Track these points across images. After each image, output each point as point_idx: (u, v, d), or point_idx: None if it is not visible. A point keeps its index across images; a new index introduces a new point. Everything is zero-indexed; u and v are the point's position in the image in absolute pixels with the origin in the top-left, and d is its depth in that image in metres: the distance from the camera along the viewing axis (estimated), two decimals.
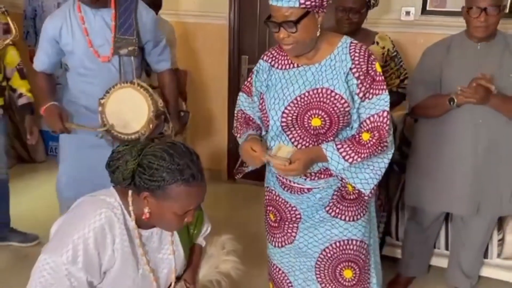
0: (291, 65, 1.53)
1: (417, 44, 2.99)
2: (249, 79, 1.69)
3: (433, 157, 2.15)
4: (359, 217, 1.59)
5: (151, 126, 1.83)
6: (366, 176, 1.49)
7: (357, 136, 1.48)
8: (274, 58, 1.58)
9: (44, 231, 2.81)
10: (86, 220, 1.24)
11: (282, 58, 1.56)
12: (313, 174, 1.55)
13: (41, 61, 2.14)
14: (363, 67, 1.45)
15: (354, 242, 1.60)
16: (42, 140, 4.22)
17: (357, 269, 1.63)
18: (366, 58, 1.46)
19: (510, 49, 2.01)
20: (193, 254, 1.60)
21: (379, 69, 1.48)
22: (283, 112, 1.50)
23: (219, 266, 1.64)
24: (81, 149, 2.08)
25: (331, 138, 1.50)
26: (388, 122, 1.46)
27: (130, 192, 1.31)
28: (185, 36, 3.44)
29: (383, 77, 1.49)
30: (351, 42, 1.50)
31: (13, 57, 2.56)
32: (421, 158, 2.22)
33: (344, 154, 1.44)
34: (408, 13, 2.98)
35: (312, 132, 1.49)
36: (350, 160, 1.44)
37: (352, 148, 1.44)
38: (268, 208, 1.72)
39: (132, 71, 2.02)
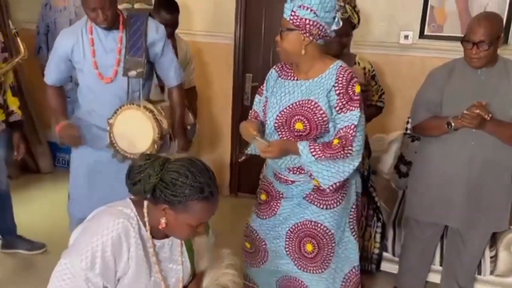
0: (292, 78, 1.85)
1: (414, 67, 3.11)
2: (264, 83, 2.00)
3: (433, 174, 2.24)
4: (330, 207, 1.88)
5: (155, 146, 1.91)
6: (329, 174, 1.76)
7: (329, 141, 1.79)
8: (282, 70, 1.90)
9: (50, 240, 2.93)
10: (105, 229, 1.32)
11: (288, 71, 1.88)
12: (295, 168, 1.87)
13: (52, 75, 2.21)
14: (344, 86, 1.74)
15: (320, 225, 1.90)
16: (50, 151, 4.32)
17: (317, 246, 1.92)
18: (348, 79, 1.75)
19: (510, 76, 2.09)
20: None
21: (358, 90, 1.75)
22: (277, 116, 1.83)
23: (218, 279, 1.72)
24: (92, 167, 2.15)
25: (311, 141, 1.80)
26: (353, 134, 1.74)
27: (145, 203, 1.39)
28: (195, 54, 3.57)
29: (360, 97, 1.75)
30: (341, 66, 1.78)
31: (10, 74, 2.63)
32: (422, 174, 2.30)
33: (312, 150, 1.74)
34: (406, 37, 3.10)
35: (295, 134, 1.81)
36: (316, 156, 1.74)
37: (321, 148, 1.75)
38: (262, 191, 2.06)
39: (139, 92, 2.10)
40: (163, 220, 1.35)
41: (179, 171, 1.31)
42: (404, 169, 2.94)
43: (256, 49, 3.58)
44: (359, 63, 2.52)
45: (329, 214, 1.89)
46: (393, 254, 2.64)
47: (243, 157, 2.08)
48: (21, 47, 2.54)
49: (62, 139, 2.12)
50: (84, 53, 2.08)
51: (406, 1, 3.06)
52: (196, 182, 1.31)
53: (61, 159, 4.40)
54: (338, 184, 1.77)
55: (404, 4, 3.07)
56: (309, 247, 1.94)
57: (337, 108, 1.75)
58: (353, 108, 1.74)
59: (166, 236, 1.47)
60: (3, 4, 3.86)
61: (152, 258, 1.42)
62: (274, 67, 1.94)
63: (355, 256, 2.03)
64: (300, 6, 1.67)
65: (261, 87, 2.00)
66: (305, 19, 1.68)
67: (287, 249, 1.99)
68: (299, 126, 1.77)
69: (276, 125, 1.84)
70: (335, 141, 1.76)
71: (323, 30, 1.70)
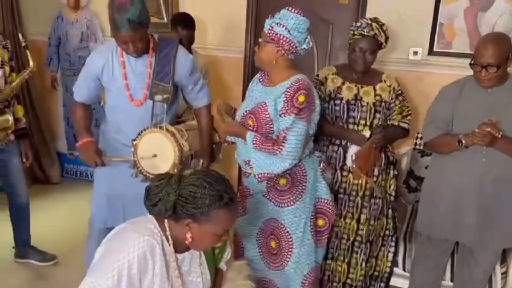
0: (265, 84, 2.14)
1: (423, 83, 3.14)
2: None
3: (444, 190, 2.25)
4: (285, 205, 2.11)
5: (175, 170, 1.93)
6: (262, 164, 2.01)
7: (270, 137, 2.05)
8: (262, 76, 2.19)
9: (60, 251, 2.94)
10: (130, 246, 1.34)
11: (265, 78, 2.17)
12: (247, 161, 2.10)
13: (82, 93, 2.21)
14: (290, 94, 1.98)
15: (279, 223, 2.13)
16: (58, 162, 4.35)
17: (278, 244, 2.15)
18: (296, 89, 1.98)
19: None
20: (216, 278, 1.69)
21: (301, 100, 1.97)
22: (243, 113, 2.11)
23: None
24: (114, 180, 2.18)
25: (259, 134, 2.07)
26: (284, 135, 1.97)
27: (166, 220, 1.41)
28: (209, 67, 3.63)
29: (302, 106, 1.97)
30: (297, 78, 2.02)
31: (17, 85, 2.66)
32: (433, 189, 2.32)
33: (254, 139, 2.01)
34: (415, 53, 3.14)
35: (249, 128, 2.08)
36: (255, 144, 2.00)
37: (261, 140, 2.00)
38: (238, 192, 2.32)
39: (164, 115, 2.13)
40: (188, 235, 1.38)
41: (196, 183, 1.35)
42: (413, 184, 2.97)
43: None
44: (385, 81, 2.44)
45: (285, 213, 2.11)
46: (404, 269, 2.64)
47: (225, 144, 2.29)
48: (30, 60, 2.58)
49: (83, 156, 2.13)
50: (114, 74, 2.10)
51: (415, 18, 3.10)
52: (214, 190, 1.34)
53: (69, 170, 4.43)
54: (267, 175, 2.01)
55: (414, 20, 3.11)
56: (273, 243, 2.17)
57: (280, 112, 1.99)
58: (291, 114, 1.97)
59: (187, 249, 1.49)
60: (16, 16, 3.92)
61: (175, 272, 1.44)
62: (260, 72, 2.20)
63: (313, 258, 2.20)
64: (278, 23, 1.95)
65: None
66: (280, 35, 1.95)
67: (258, 246, 2.22)
68: (250, 122, 2.07)
69: (241, 120, 2.13)
70: (275, 138, 2.03)
71: (294, 47, 1.98)
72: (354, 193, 2.43)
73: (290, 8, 1.97)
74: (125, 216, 2.15)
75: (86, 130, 2.20)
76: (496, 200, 2.17)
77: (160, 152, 1.95)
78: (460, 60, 2.93)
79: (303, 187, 2.10)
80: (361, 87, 2.40)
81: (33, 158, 4.05)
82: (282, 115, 1.99)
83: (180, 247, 1.45)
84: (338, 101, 2.40)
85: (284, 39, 1.95)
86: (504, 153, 2.10)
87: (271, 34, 1.96)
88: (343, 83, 2.42)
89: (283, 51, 1.99)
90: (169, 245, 1.41)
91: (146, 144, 1.97)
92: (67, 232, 3.30)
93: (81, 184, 4.19)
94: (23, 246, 2.89)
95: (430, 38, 3.09)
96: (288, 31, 1.94)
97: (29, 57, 2.58)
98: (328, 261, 2.52)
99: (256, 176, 2.03)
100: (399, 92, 2.46)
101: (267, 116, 2.02)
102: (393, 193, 2.53)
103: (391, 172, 2.52)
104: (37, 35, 4.16)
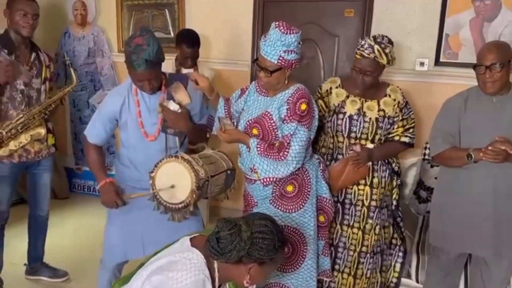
0: (264, 94, 2.19)
1: (430, 93, 3.15)
2: (246, 88, 2.30)
3: (456, 202, 2.24)
4: (293, 211, 2.16)
5: (194, 196, 1.95)
6: (267, 168, 2.07)
7: (274, 143, 2.10)
8: (259, 86, 2.22)
9: (69, 266, 2.94)
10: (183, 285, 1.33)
11: (263, 89, 2.20)
12: (253, 168, 2.15)
13: (97, 135, 2.22)
14: (293, 102, 2.07)
15: (289, 227, 2.17)
16: (66, 177, 4.36)
17: (291, 247, 2.16)
18: (298, 97, 2.07)
19: None
20: None
21: (303, 108, 2.05)
22: (246, 123, 2.16)
23: None
24: (130, 215, 2.19)
25: (262, 140, 2.12)
26: (288, 141, 2.04)
27: (216, 263, 1.43)
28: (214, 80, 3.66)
29: (304, 114, 2.06)
30: (298, 87, 2.10)
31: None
32: (445, 202, 2.31)
33: (258, 146, 2.07)
34: (422, 64, 3.16)
35: (254, 138, 2.13)
36: (259, 151, 2.07)
37: (265, 147, 2.07)
38: (243, 200, 2.40)
39: (177, 149, 2.19)
40: (247, 277, 1.42)
41: (266, 231, 1.42)
42: (423, 194, 2.96)
43: None
44: (389, 95, 2.41)
45: (295, 217, 2.16)
46: (417, 281, 2.63)
47: (208, 136, 2.35)
48: (74, 77, 2.73)
49: (105, 199, 2.16)
50: (130, 113, 2.15)
51: (422, 28, 3.13)
52: (280, 236, 1.43)
53: (77, 185, 4.44)
54: (272, 179, 2.08)
55: (420, 31, 3.14)
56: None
57: (284, 119, 2.07)
58: (293, 121, 2.05)
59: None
60: None
61: None
62: (253, 82, 2.27)
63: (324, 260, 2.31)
64: (285, 52, 1.99)
65: (245, 87, 2.29)
66: (292, 60, 2.02)
67: None
68: (255, 131, 2.12)
69: (245, 130, 2.17)
70: (277, 144, 2.08)
71: (300, 61, 2.07)
72: (360, 203, 2.44)
73: (282, 28, 1.98)
74: (144, 247, 2.18)
75: (103, 171, 2.22)
76: (510, 210, 2.17)
77: (177, 181, 1.96)
78: (466, 70, 2.93)
79: (309, 189, 2.17)
80: (365, 101, 2.40)
81: None
82: (285, 122, 2.07)
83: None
84: (341, 115, 2.40)
85: (295, 61, 2.04)
86: None
87: (282, 63, 2.01)
88: (347, 97, 2.42)
89: (291, 69, 2.07)
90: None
91: (163, 175, 1.99)
92: (76, 247, 3.31)
93: (89, 199, 4.21)
94: (35, 262, 2.89)
95: (436, 49, 3.11)
96: (296, 53, 2.02)
97: (73, 74, 2.74)
98: (335, 273, 2.50)
99: (262, 181, 2.09)
100: (404, 105, 2.44)
101: (273, 124, 2.09)
102: (394, 202, 2.54)
103: (394, 182, 2.52)
104: (45, 51, 4.19)
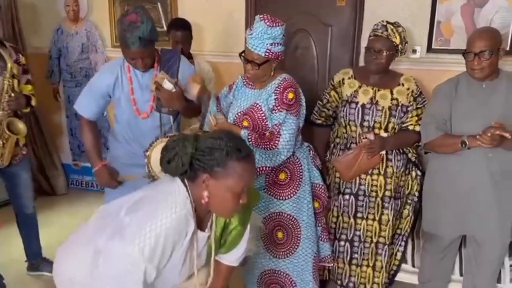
0: (251, 86, 2.24)
1: (423, 80, 3.15)
2: (233, 83, 2.34)
3: (450, 187, 2.27)
4: (287, 198, 2.21)
5: None
6: (261, 159, 2.09)
7: (264, 133, 2.15)
8: (246, 79, 2.27)
9: None
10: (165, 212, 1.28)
11: (250, 82, 2.25)
12: None
13: (90, 110, 2.23)
14: (280, 92, 2.11)
15: (284, 214, 2.22)
16: (64, 173, 4.37)
17: (285, 233, 2.24)
18: (285, 87, 2.10)
19: None
20: (219, 275, 1.64)
21: (290, 96, 2.09)
22: (235, 115, 2.20)
23: None
24: (125, 188, 2.20)
25: (253, 131, 2.16)
26: (278, 130, 2.08)
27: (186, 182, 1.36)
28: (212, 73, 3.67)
29: (292, 102, 2.09)
30: (284, 77, 2.14)
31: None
32: (438, 188, 2.34)
33: (249, 137, 2.10)
34: (415, 51, 3.17)
35: (245, 129, 2.16)
36: (251, 142, 2.08)
37: (256, 137, 2.10)
38: None
39: (171, 124, 2.21)
40: (205, 194, 1.33)
41: (214, 136, 1.33)
42: None
43: None
44: (403, 84, 2.45)
45: (288, 203, 2.22)
46: (413, 265, 2.67)
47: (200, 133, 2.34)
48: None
49: (100, 182, 2.21)
50: (123, 89, 2.15)
51: (413, 16, 3.14)
52: (232, 143, 1.31)
53: (75, 181, 4.45)
54: (265, 168, 2.10)
55: (412, 19, 3.14)
56: (279, 234, 2.25)
57: (272, 109, 2.11)
58: (282, 110, 2.09)
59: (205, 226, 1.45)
60: (16, 30, 3.94)
61: (193, 252, 1.41)
62: (241, 76, 2.30)
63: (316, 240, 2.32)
64: (272, 44, 2.02)
65: (232, 83, 2.34)
66: (278, 52, 2.06)
67: (262, 239, 2.27)
68: (245, 123, 2.17)
69: (234, 123, 2.22)
70: (267, 134, 2.13)
71: (284, 52, 2.11)
72: (374, 193, 2.45)
73: (268, 21, 2.01)
74: None
75: (97, 154, 2.24)
76: (504, 192, 2.20)
77: None
78: (459, 56, 2.87)
79: (301, 176, 2.22)
80: (378, 90, 2.42)
81: (38, 170, 4.14)
82: (274, 112, 2.11)
83: (198, 221, 1.39)
84: (353, 105, 2.43)
85: (281, 53, 2.09)
86: (509, 150, 2.12)
87: (269, 55, 2.04)
88: (360, 87, 2.44)
89: (278, 61, 2.11)
90: (193, 222, 1.36)
91: (158, 154, 2.01)
92: None
93: (87, 194, 4.22)
94: (35, 258, 2.91)
95: (428, 36, 3.12)
96: (282, 45, 2.07)
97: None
98: (353, 267, 2.54)
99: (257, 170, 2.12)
100: (418, 94, 2.46)
101: (263, 115, 2.13)
102: (416, 194, 2.53)
103: (413, 173, 2.52)
104: (38, 48, 4.20)
